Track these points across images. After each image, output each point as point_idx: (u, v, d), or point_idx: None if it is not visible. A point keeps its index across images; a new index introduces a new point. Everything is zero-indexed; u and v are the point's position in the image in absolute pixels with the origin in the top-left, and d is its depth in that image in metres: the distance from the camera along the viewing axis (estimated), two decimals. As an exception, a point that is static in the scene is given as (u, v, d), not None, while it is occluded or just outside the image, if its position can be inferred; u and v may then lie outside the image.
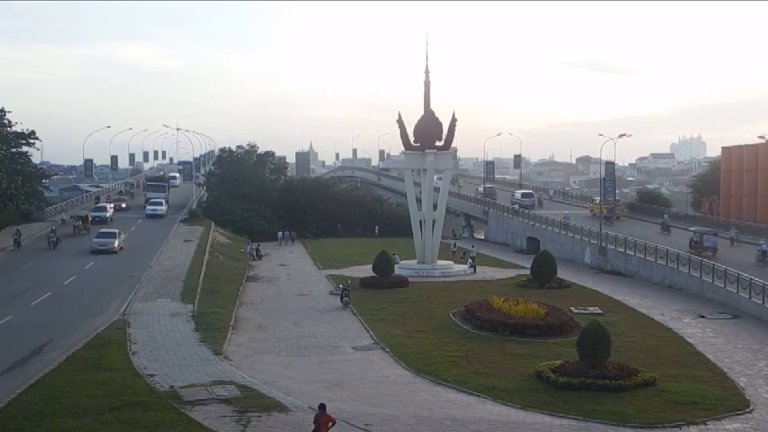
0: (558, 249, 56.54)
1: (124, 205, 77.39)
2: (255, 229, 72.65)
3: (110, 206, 69.75)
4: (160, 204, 72.19)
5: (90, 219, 62.74)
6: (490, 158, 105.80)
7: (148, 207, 71.26)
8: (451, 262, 53.86)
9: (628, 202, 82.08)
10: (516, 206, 72.03)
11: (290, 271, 52.97)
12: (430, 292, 42.57)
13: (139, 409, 20.96)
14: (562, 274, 46.33)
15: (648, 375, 24.87)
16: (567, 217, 63.89)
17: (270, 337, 32.40)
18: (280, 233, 70.81)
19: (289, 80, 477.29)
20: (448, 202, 60.20)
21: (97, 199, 79.73)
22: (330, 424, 17.93)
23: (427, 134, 52.31)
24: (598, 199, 70.51)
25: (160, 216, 69.36)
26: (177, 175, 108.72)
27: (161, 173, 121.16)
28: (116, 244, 51.51)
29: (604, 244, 53.41)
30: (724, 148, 73.97)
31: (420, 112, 53.04)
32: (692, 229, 53.29)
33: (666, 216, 63.07)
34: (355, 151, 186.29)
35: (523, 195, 76.71)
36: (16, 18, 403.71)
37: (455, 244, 64.06)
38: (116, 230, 54.12)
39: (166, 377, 24.55)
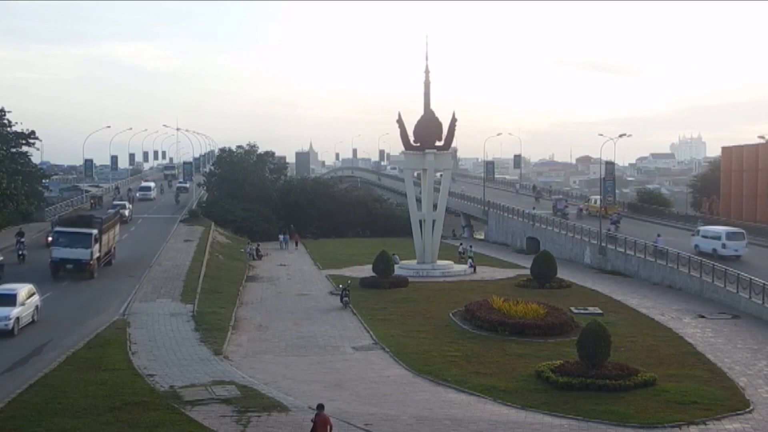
0: (558, 249, 56.54)
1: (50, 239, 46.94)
2: (255, 230, 72.49)
3: None
4: (8, 301, 29.67)
5: None
6: (490, 158, 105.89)
7: None
8: (451, 262, 53.83)
9: (627, 202, 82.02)
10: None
11: (290, 271, 52.95)
12: (430, 292, 42.58)
13: (139, 409, 20.95)
14: (562, 274, 46.33)
15: (648, 375, 24.88)
16: (464, 191, 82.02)
17: (270, 337, 32.40)
18: (281, 236, 67.93)
19: (289, 80, 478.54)
20: (448, 202, 60.22)
21: (20, 234, 48.33)
22: (328, 427, 17.86)
23: (427, 134, 52.30)
24: (593, 198, 70.70)
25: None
26: (152, 185, 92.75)
27: (146, 177, 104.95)
28: None
29: (604, 244, 53.42)
30: (724, 148, 73.93)
31: (420, 112, 53.08)
32: (554, 197, 78.51)
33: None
34: (355, 151, 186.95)
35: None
36: (16, 18, 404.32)
37: (461, 244, 64.02)
38: None
39: (166, 377, 24.55)
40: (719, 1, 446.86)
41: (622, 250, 51.34)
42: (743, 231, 48.98)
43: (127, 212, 66.59)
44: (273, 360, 28.73)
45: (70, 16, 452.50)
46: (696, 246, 47.81)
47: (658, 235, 49.72)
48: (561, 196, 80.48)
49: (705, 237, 48.16)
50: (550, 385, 24.39)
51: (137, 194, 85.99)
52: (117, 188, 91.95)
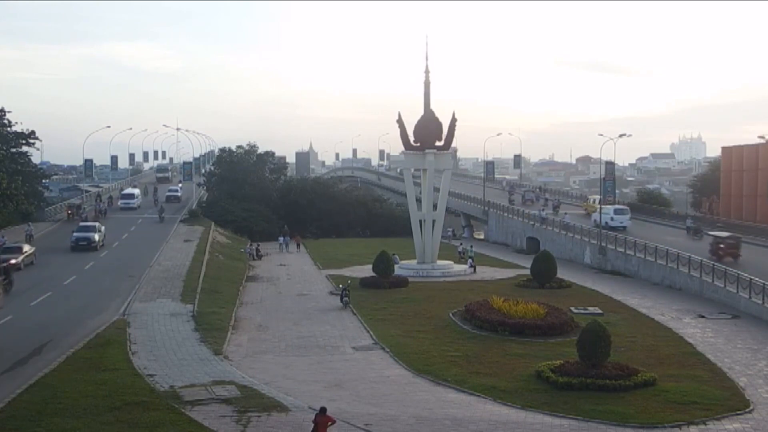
0: (558, 249, 56.55)
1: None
2: (255, 230, 72.50)
3: None
4: None
5: None
6: (490, 158, 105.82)
7: None
8: (451, 262, 53.82)
9: (627, 202, 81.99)
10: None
11: (290, 271, 52.92)
12: (430, 292, 42.56)
13: (139, 409, 20.93)
14: (562, 274, 46.32)
15: (648, 375, 24.85)
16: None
17: (270, 337, 32.38)
18: (281, 238, 66.46)
19: (289, 80, 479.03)
20: (448, 202, 60.23)
21: None
22: (329, 423, 17.94)
23: (427, 134, 52.28)
24: (592, 198, 70.82)
25: None
26: (136, 192, 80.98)
27: (135, 183, 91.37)
28: None
29: (604, 244, 53.42)
30: (724, 148, 73.93)
31: (420, 112, 53.05)
32: (523, 189, 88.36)
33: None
34: (355, 151, 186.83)
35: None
36: (16, 18, 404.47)
37: (461, 244, 64.02)
38: None
39: (166, 377, 24.53)
40: (720, 1, 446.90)
41: (622, 250, 51.36)
42: (627, 208, 64.69)
43: (97, 237, 52.72)
44: (273, 360, 28.71)
45: (70, 16, 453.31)
46: (594, 220, 59.28)
47: (566, 213, 64.79)
48: (529, 188, 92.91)
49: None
50: (550, 385, 24.35)
51: (119, 203, 76.55)
52: (99, 196, 79.87)
